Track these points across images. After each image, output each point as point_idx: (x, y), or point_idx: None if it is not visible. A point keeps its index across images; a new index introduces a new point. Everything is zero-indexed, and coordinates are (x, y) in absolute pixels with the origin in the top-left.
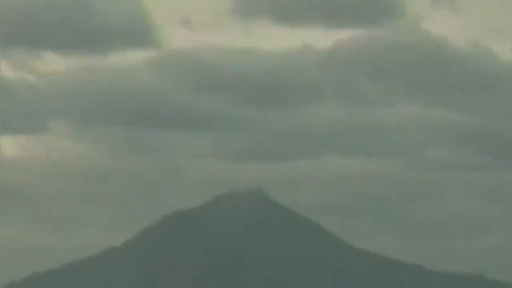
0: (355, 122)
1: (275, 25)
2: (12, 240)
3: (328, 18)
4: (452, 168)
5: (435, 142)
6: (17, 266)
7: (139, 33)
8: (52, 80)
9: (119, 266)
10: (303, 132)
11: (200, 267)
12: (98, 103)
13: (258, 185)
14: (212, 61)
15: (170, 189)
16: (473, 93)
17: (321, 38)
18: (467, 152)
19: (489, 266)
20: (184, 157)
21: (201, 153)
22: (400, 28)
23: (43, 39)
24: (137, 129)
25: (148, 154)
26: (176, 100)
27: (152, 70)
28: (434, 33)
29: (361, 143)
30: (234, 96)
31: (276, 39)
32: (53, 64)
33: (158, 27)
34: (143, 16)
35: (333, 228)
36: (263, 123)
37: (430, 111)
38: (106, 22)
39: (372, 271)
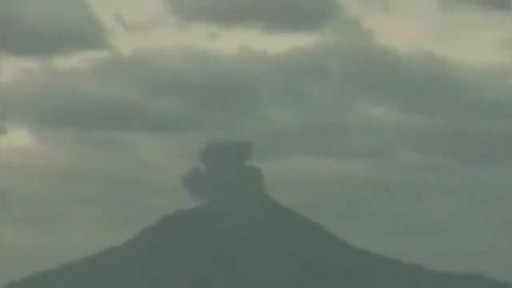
0: (319, 124)
1: (219, 28)
2: (11, 241)
3: (270, 21)
4: (425, 169)
5: (402, 144)
6: (17, 266)
7: (89, 36)
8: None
9: (119, 266)
10: (270, 134)
11: (200, 267)
12: (50, 107)
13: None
14: (163, 63)
15: (157, 189)
16: (427, 95)
17: (262, 41)
18: (436, 153)
19: (489, 266)
20: (159, 157)
21: (174, 154)
22: (343, 31)
23: None
24: (97, 130)
25: (117, 153)
26: (132, 102)
27: (104, 73)
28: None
29: (329, 145)
30: (192, 98)
31: (222, 42)
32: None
33: (107, 30)
34: (93, 19)
35: (331, 228)
36: (227, 125)
37: (392, 114)
38: (53, 25)
39: (372, 271)
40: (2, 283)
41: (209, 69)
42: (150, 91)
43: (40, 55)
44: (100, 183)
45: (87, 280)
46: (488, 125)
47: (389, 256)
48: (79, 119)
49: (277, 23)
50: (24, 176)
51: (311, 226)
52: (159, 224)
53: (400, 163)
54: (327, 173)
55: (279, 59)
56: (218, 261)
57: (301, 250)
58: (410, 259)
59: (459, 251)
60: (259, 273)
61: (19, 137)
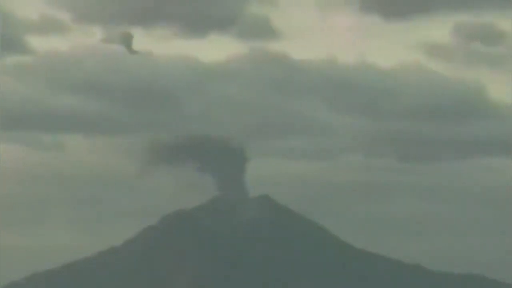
0: (266, 126)
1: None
2: (12, 241)
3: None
4: (373, 170)
5: (352, 147)
6: (17, 266)
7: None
8: None
9: (119, 266)
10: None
11: (200, 267)
12: None
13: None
14: (81, 64)
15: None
16: (371, 100)
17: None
18: (386, 155)
19: (489, 266)
20: (106, 158)
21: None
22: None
23: None
24: (28, 132)
25: (61, 155)
26: (54, 104)
27: (23, 75)
28: None
29: (280, 146)
30: (115, 101)
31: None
32: None
33: (19, 32)
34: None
35: (331, 228)
36: (161, 126)
37: (339, 117)
38: None
39: (372, 271)
40: (2, 283)
41: (128, 71)
42: (62, 92)
43: None
44: (64, 184)
45: (87, 280)
46: (423, 127)
47: (389, 256)
48: (8, 121)
49: (189, 27)
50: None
51: (311, 226)
52: (159, 224)
53: (353, 165)
54: (284, 175)
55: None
56: (218, 261)
57: (301, 250)
58: (412, 259)
59: (452, 251)
60: (259, 273)
61: None
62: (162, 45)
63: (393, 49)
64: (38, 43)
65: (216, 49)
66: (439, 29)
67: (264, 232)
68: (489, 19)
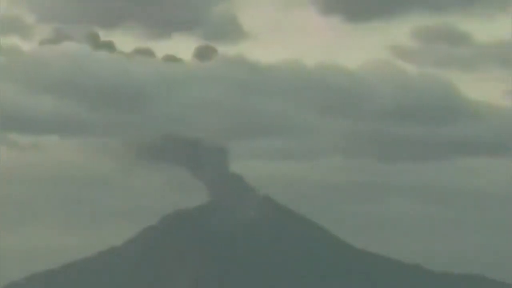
0: (242, 126)
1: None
2: (12, 241)
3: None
4: (363, 171)
5: (332, 148)
6: (17, 266)
7: None
8: None
9: (119, 266)
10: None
11: (200, 267)
12: None
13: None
14: (50, 67)
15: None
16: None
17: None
18: (366, 156)
19: (489, 266)
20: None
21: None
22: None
23: None
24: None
25: (35, 155)
26: (26, 105)
27: None
28: None
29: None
30: (84, 102)
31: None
32: None
33: None
34: None
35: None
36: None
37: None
38: None
39: (372, 271)
40: (2, 283)
41: (96, 71)
42: (33, 93)
43: None
44: (47, 185)
45: (87, 280)
46: (400, 128)
47: (389, 256)
48: None
49: (155, 27)
50: None
51: (311, 226)
52: (159, 224)
53: (328, 165)
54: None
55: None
56: (218, 261)
57: (301, 250)
58: (409, 259)
59: (446, 251)
60: (259, 273)
61: None
62: (127, 46)
63: (358, 50)
64: (2, 43)
65: (181, 50)
66: (401, 30)
67: (264, 232)
68: (451, 20)
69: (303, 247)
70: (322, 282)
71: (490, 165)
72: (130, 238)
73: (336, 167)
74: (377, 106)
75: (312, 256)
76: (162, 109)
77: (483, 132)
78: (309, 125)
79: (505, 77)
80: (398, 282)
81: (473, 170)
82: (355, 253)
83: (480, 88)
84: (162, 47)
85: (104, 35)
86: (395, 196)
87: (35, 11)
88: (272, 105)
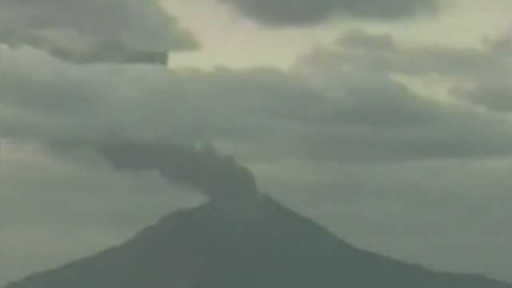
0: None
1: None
2: (12, 241)
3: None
4: (326, 172)
5: (291, 150)
6: (17, 266)
7: None
8: None
9: (119, 266)
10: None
11: (200, 267)
12: None
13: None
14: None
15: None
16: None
17: None
18: (326, 157)
19: (489, 266)
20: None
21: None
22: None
23: None
24: None
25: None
26: None
27: None
28: None
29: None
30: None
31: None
32: None
33: None
34: None
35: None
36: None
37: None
38: None
39: (372, 271)
40: (2, 283)
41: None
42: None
43: None
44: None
45: (87, 280)
46: (354, 130)
47: (389, 256)
48: None
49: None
50: None
51: (311, 226)
52: (159, 224)
53: (291, 167)
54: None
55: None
56: (218, 261)
57: (301, 250)
58: (408, 259)
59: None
60: (259, 273)
61: None
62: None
63: (285, 54)
64: None
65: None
66: (327, 34)
67: (264, 232)
68: (369, 25)
69: (303, 247)
70: (323, 282)
71: (448, 166)
72: (130, 238)
73: (296, 169)
74: (323, 108)
75: (312, 256)
76: (107, 111)
77: (437, 133)
78: (259, 128)
79: (442, 78)
80: (398, 282)
81: (433, 171)
82: (355, 253)
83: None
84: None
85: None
86: (365, 196)
87: None
88: (214, 108)
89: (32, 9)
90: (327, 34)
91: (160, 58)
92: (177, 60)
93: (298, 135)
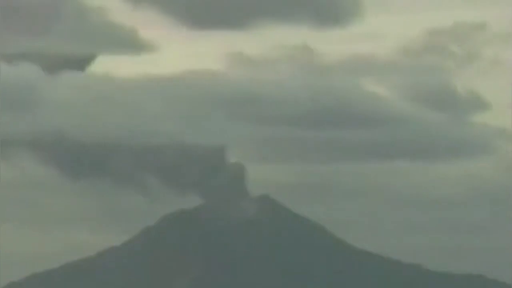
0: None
1: None
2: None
3: None
4: (294, 174)
5: (251, 154)
6: (17, 266)
7: None
8: None
9: (119, 266)
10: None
11: (200, 267)
12: None
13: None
14: None
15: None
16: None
17: None
18: (289, 159)
19: (489, 266)
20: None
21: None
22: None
23: None
24: None
25: None
26: None
27: None
28: None
29: None
30: None
31: None
32: None
33: None
34: None
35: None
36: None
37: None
38: None
39: (372, 271)
40: (2, 283)
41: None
42: None
43: None
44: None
45: (87, 280)
46: (312, 133)
47: (389, 256)
48: None
49: None
50: None
51: (310, 226)
52: (159, 224)
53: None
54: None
55: None
56: (218, 261)
57: (301, 250)
58: (409, 259)
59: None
60: (259, 273)
61: None
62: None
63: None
64: None
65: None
66: (250, 39)
67: (264, 232)
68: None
69: (303, 247)
70: (323, 282)
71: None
72: (129, 238)
73: (268, 170)
74: (282, 112)
75: (312, 256)
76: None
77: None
78: (219, 131)
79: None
80: (398, 282)
81: (398, 173)
82: (355, 253)
83: None
84: None
85: None
86: (343, 198)
87: None
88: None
89: None
90: (253, 39)
91: (89, 62)
92: (109, 65)
93: (256, 138)
